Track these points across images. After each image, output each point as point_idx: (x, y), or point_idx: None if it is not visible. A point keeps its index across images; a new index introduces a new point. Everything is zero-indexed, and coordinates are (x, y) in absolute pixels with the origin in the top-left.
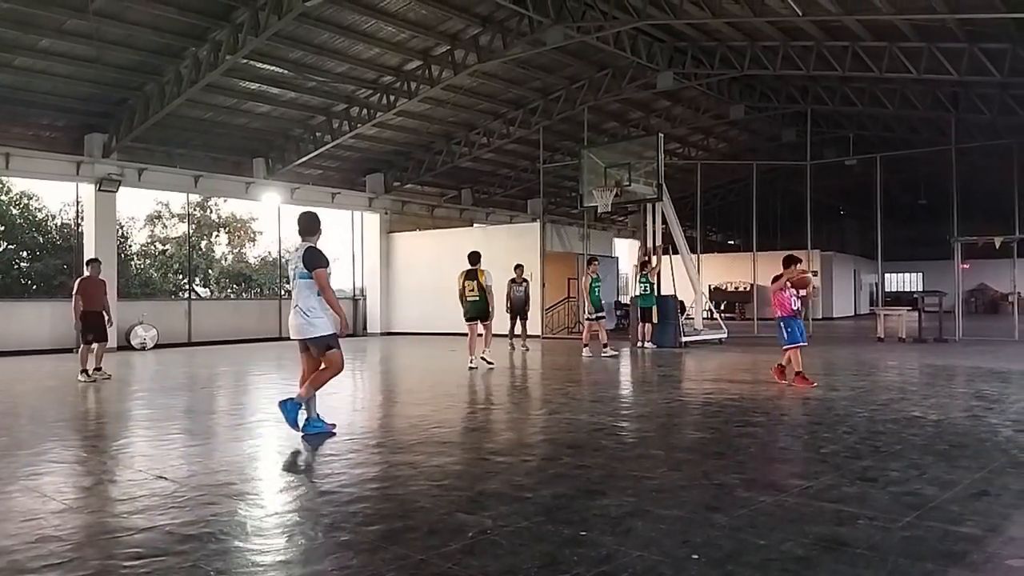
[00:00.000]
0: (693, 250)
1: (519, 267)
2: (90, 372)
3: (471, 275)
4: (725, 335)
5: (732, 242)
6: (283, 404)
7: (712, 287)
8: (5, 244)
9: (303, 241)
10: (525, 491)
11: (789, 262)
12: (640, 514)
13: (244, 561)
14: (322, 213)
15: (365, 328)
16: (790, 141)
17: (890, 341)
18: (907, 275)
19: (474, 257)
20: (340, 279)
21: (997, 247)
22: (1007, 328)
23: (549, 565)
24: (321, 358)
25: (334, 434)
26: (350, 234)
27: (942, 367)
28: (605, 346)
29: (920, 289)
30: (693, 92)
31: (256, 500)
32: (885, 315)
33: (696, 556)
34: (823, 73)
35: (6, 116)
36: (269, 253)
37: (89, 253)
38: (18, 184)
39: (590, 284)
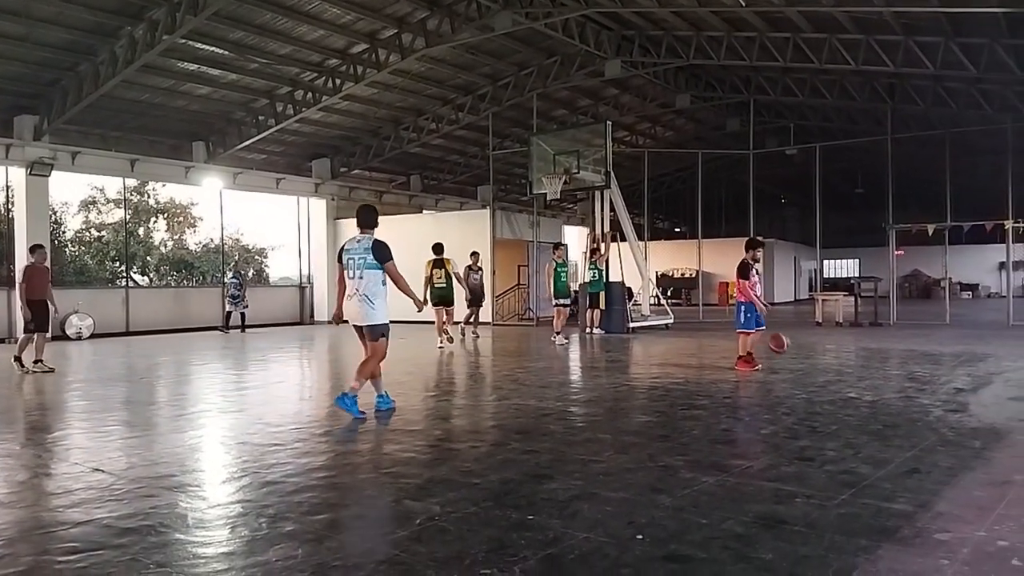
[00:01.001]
0: (641, 237)
1: (475, 254)
2: (24, 363)
3: (438, 264)
4: (672, 321)
5: (679, 229)
6: (340, 400)
7: (659, 273)
8: None
9: (363, 233)
10: (474, 477)
11: (750, 246)
12: (587, 497)
13: (185, 554)
14: (266, 199)
15: (312, 316)
16: (734, 130)
17: (828, 325)
18: (845, 261)
19: (438, 248)
20: (286, 267)
21: (930, 234)
22: (939, 312)
23: (497, 550)
24: (371, 344)
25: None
26: (296, 220)
27: (877, 350)
28: (558, 333)
29: (857, 275)
30: (640, 81)
31: (197, 492)
32: (823, 300)
33: (641, 536)
34: (766, 64)
35: None
36: (211, 240)
37: (20, 240)
38: None
39: (555, 270)
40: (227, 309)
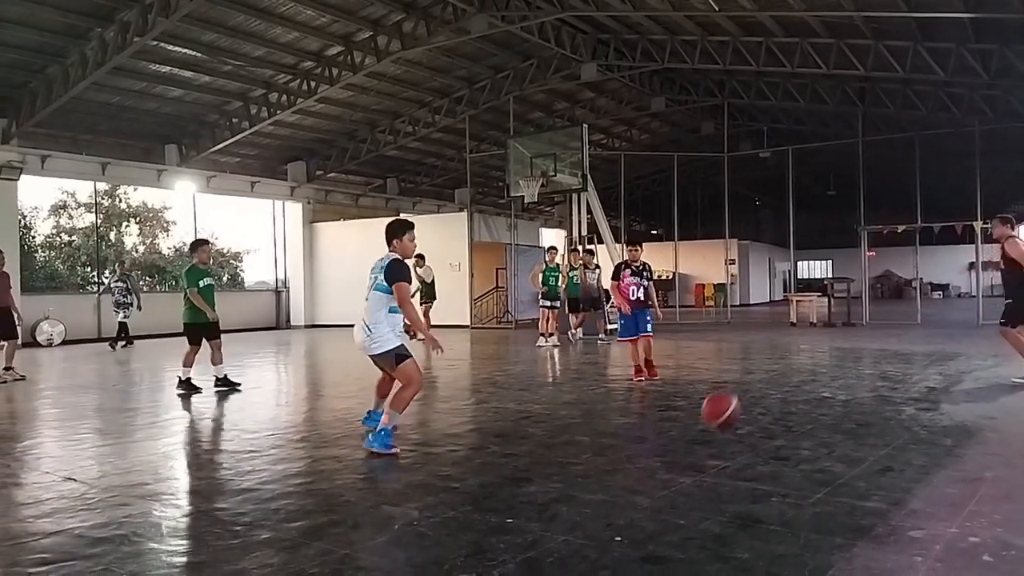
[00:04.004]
0: (617, 239)
1: (588, 252)
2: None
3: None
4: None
5: (655, 231)
6: (372, 442)
7: None
8: None
9: (391, 250)
10: (452, 481)
11: (627, 245)
12: (565, 499)
13: (159, 563)
14: (241, 203)
15: (288, 321)
16: (709, 133)
17: (802, 326)
18: (818, 262)
19: (420, 258)
20: (261, 271)
21: (900, 233)
22: (911, 312)
23: (475, 554)
24: (395, 374)
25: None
26: (271, 224)
27: (850, 350)
28: (543, 335)
29: (830, 276)
30: (616, 84)
31: (171, 500)
32: (797, 301)
33: (619, 538)
34: (739, 68)
35: None
36: (184, 244)
37: None
38: None
39: (543, 273)
40: (119, 319)
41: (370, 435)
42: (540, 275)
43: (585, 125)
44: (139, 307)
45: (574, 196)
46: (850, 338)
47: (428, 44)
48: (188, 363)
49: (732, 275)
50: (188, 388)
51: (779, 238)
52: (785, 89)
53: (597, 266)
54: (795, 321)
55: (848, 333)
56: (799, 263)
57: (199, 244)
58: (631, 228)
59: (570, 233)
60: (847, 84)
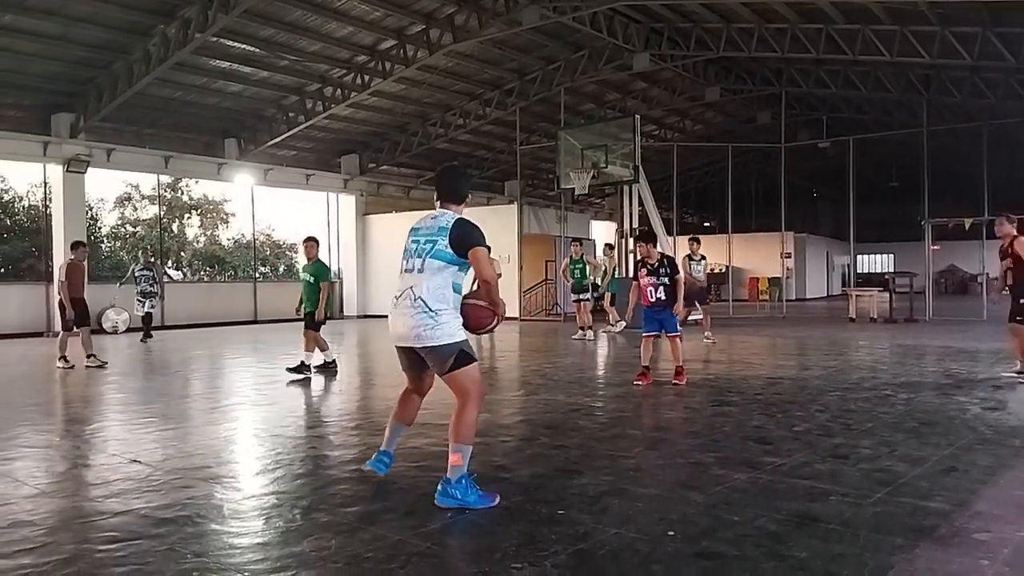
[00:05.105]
0: (670, 232)
1: (694, 239)
2: (69, 360)
3: None
4: (700, 316)
5: (708, 224)
6: (448, 496)
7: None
8: None
9: (443, 207)
10: (503, 471)
11: (637, 241)
12: (617, 493)
13: (221, 544)
14: (296, 195)
15: (341, 311)
16: (765, 123)
17: (862, 321)
18: (879, 256)
19: None
20: None
21: (967, 228)
22: (976, 308)
23: (527, 544)
24: (447, 381)
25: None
26: (325, 216)
27: (912, 346)
28: (582, 328)
29: (891, 270)
30: (669, 74)
31: (232, 483)
32: (857, 296)
33: (672, 533)
34: (798, 55)
35: None
36: (243, 235)
37: (58, 235)
38: None
39: (568, 266)
40: (145, 310)
41: (444, 488)
42: (567, 268)
43: (637, 116)
44: (162, 296)
45: (625, 188)
46: (912, 334)
47: (480, 36)
48: (314, 348)
49: (788, 268)
50: (321, 370)
51: (838, 231)
52: (846, 77)
53: (703, 256)
54: (854, 316)
55: (910, 329)
56: (859, 256)
57: (311, 241)
58: (683, 220)
59: (621, 225)
60: (911, 71)
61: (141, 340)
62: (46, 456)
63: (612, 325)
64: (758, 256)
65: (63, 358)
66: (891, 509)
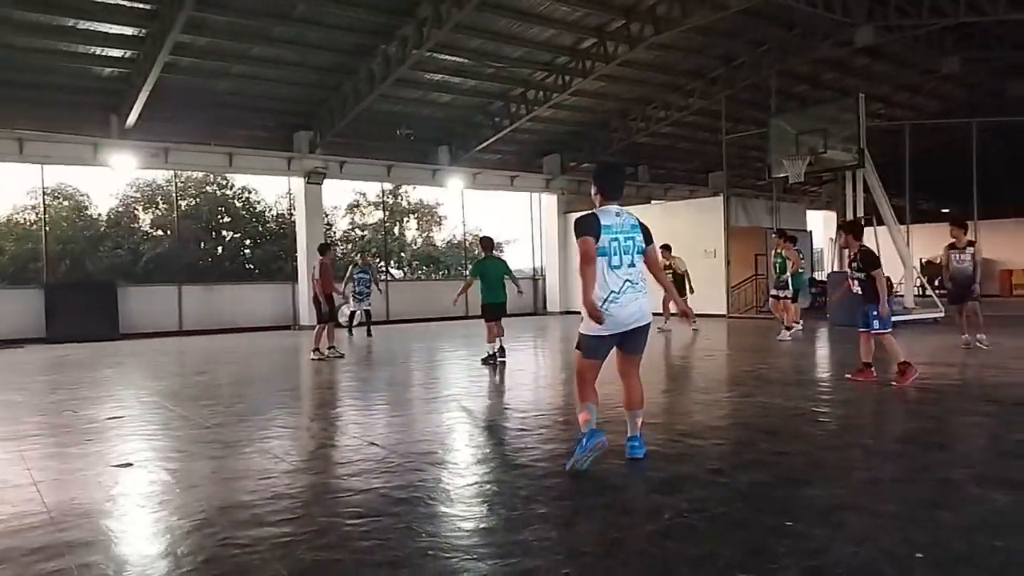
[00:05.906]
0: (901, 220)
1: (960, 226)
2: (323, 351)
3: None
4: (941, 314)
5: (945, 210)
6: (634, 454)
7: (924, 261)
8: (231, 234)
9: (610, 203)
10: (720, 476)
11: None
12: (852, 507)
13: (452, 527)
14: (501, 196)
15: (545, 307)
16: (1017, 95)
17: None
18: None
19: (666, 248)
20: (519, 260)
21: None
22: None
23: (755, 554)
24: (639, 353)
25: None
26: (528, 215)
27: None
28: (786, 327)
29: None
30: (897, 46)
31: (457, 469)
32: None
33: (920, 555)
34: None
35: (228, 120)
36: (454, 236)
37: (301, 240)
38: (239, 180)
39: (774, 260)
40: (351, 308)
41: (635, 444)
42: (772, 263)
43: (862, 95)
44: (380, 290)
45: (847, 174)
46: None
47: (683, 25)
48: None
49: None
50: (492, 359)
51: None
52: None
53: (969, 243)
54: None
55: None
56: None
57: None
58: (917, 207)
59: (843, 215)
60: None
61: (348, 332)
62: (298, 436)
63: (789, 327)
64: (1011, 245)
65: (316, 349)
66: None
